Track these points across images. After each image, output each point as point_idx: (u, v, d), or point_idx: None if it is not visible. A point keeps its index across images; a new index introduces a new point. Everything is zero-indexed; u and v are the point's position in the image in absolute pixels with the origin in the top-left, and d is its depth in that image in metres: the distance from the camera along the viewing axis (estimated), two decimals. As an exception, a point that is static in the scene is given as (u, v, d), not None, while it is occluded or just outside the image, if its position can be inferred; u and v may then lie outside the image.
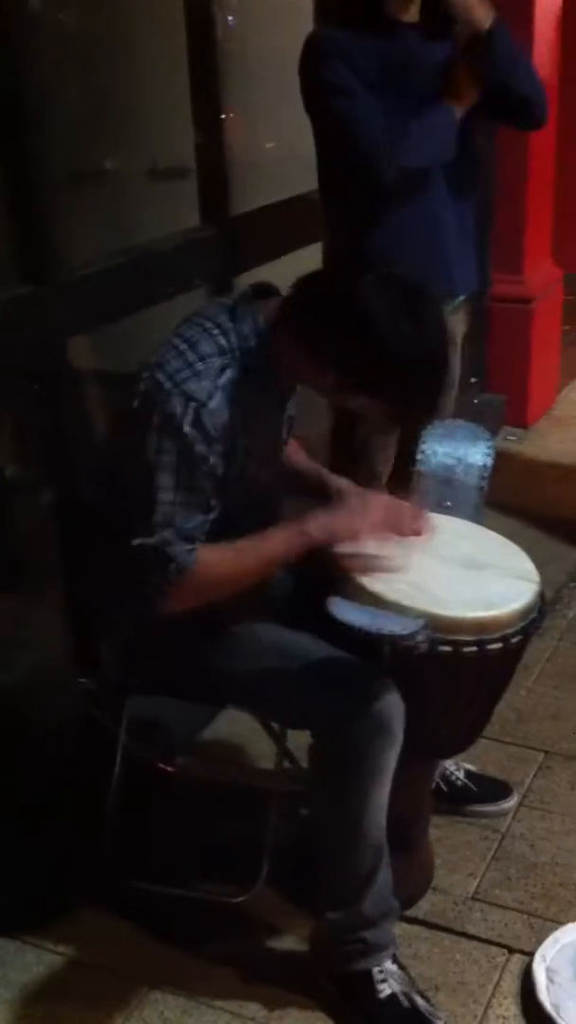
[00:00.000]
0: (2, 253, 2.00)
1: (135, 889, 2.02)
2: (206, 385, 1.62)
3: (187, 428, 1.60)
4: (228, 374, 1.64)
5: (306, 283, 1.69)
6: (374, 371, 1.60)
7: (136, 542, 1.62)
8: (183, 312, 1.79)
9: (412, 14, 2.27)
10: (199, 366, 1.63)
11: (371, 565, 1.75)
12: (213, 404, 1.61)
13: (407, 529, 1.81)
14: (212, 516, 1.66)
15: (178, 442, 1.60)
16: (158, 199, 2.72)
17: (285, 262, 2.63)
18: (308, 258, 2.59)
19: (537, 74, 2.36)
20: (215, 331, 1.67)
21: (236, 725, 2.51)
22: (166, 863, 2.10)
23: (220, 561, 1.68)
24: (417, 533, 1.83)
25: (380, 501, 1.85)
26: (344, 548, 1.77)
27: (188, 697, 2.08)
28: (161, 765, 2.30)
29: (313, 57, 2.25)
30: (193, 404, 1.60)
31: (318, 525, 1.73)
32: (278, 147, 2.86)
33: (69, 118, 2.27)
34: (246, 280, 2.50)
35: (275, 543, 1.72)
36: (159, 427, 1.60)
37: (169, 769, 2.32)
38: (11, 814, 2.06)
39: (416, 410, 1.78)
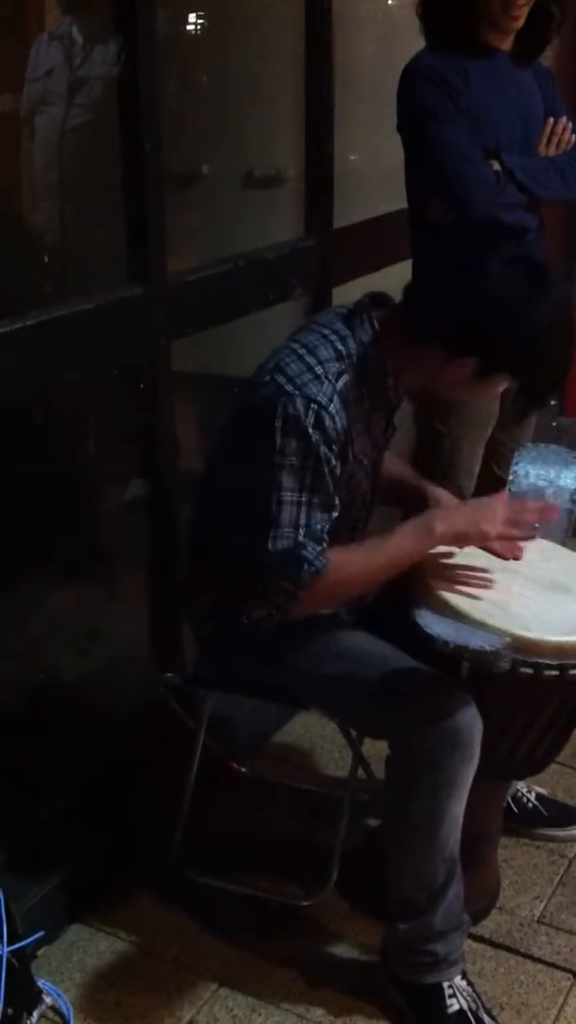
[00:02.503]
0: (115, 255, 2.04)
1: (203, 884, 2.05)
2: (327, 389, 1.65)
3: (310, 430, 1.63)
4: (344, 379, 1.67)
5: (421, 285, 1.71)
6: (517, 347, 1.61)
7: (270, 546, 1.64)
8: (278, 320, 1.82)
9: (506, 43, 2.30)
10: (319, 370, 1.66)
11: (461, 578, 1.77)
12: (332, 408, 1.64)
13: (532, 519, 1.78)
14: (336, 515, 1.68)
15: (302, 443, 1.63)
16: (256, 206, 2.76)
17: (383, 275, 2.66)
18: (406, 272, 2.61)
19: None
20: (333, 337, 1.71)
21: (309, 729, 2.54)
22: (234, 861, 2.13)
23: (351, 562, 1.70)
24: (545, 520, 1.80)
25: (501, 500, 1.82)
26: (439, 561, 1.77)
27: (269, 697, 2.11)
28: (234, 764, 2.33)
29: (411, 83, 2.28)
30: (314, 406, 1.63)
31: (446, 525, 1.72)
32: (379, 162, 2.88)
33: (174, 123, 2.31)
34: (342, 291, 2.56)
35: (403, 542, 1.72)
36: (283, 429, 1.63)
37: (242, 769, 2.35)
38: (86, 803, 2.11)
39: (553, 377, 1.73)
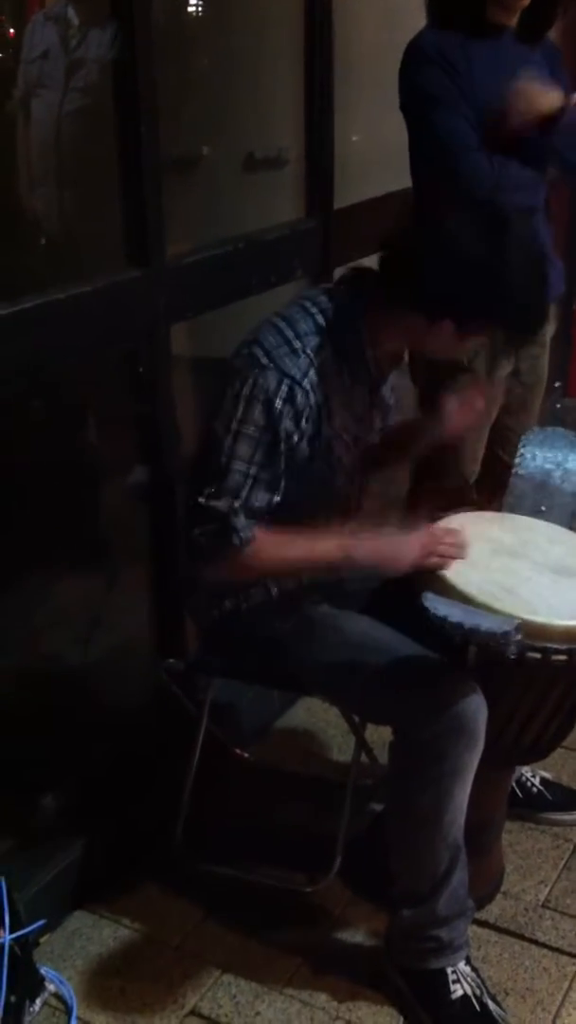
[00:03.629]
0: (113, 237, 2.02)
1: (207, 871, 2.04)
2: (302, 362, 1.64)
3: (278, 403, 1.62)
4: (324, 353, 1.66)
5: (392, 243, 1.71)
6: (485, 295, 1.60)
7: (202, 500, 1.64)
8: (279, 302, 1.81)
9: (512, 20, 2.27)
10: (296, 344, 1.65)
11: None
12: (307, 382, 1.64)
13: (449, 553, 1.76)
14: (278, 498, 1.68)
15: (266, 416, 1.63)
16: (256, 188, 2.73)
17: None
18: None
19: None
20: (313, 310, 1.70)
21: (312, 715, 2.53)
22: (237, 847, 2.12)
23: (272, 547, 1.69)
24: (458, 556, 1.77)
25: (420, 533, 1.77)
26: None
27: (271, 684, 2.11)
28: (237, 751, 2.33)
29: (413, 63, 2.25)
30: (288, 380, 1.63)
31: (364, 552, 1.71)
32: (381, 142, 2.85)
33: (174, 105, 2.29)
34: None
35: (325, 549, 1.71)
36: (248, 397, 1.63)
37: (245, 755, 2.35)
38: (89, 790, 2.10)
39: (529, 318, 1.72)
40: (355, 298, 1.72)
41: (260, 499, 1.66)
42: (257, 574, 1.77)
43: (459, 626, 1.59)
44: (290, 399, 1.63)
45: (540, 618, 1.67)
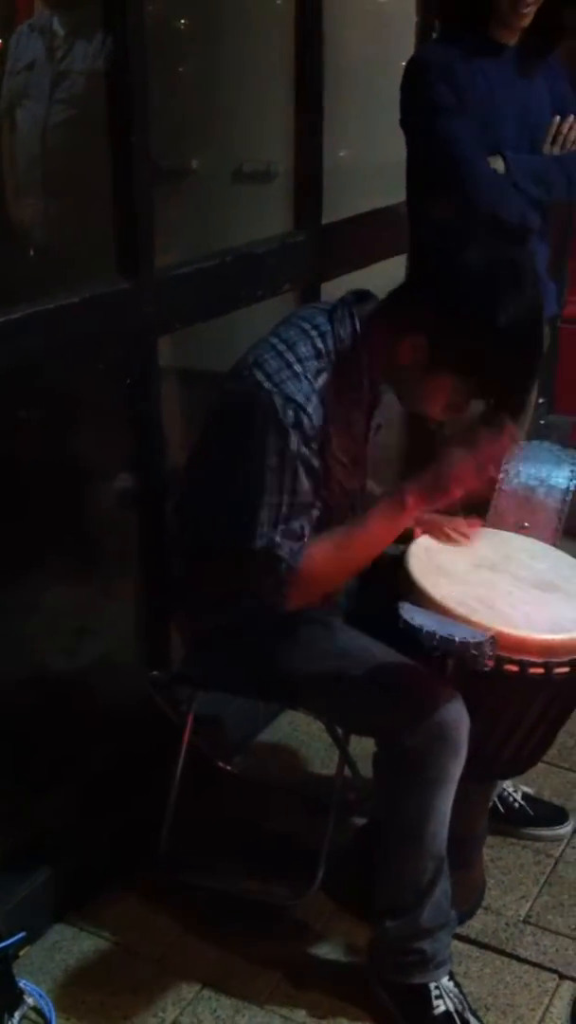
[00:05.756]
0: (102, 248, 2.02)
1: (189, 884, 2.03)
2: (304, 387, 1.63)
3: (289, 429, 1.61)
4: (324, 377, 1.66)
5: (405, 285, 1.70)
6: (473, 344, 1.58)
7: (252, 544, 1.63)
8: (267, 315, 1.81)
9: (514, 38, 2.28)
10: (297, 368, 1.65)
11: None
12: (311, 407, 1.63)
13: (491, 470, 1.72)
14: (316, 514, 1.68)
15: (281, 442, 1.62)
16: (245, 201, 2.74)
17: (372, 271, 2.65)
18: (395, 268, 2.60)
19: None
20: (313, 333, 1.69)
21: (295, 728, 2.53)
22: (219, 860, 2.11)
23: (325, 550, 1.68)
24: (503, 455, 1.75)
25: (457, 455, 1.69)
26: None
27: (256, 695, 2.10)
28: (220, 763, 2.32)
29: (417, 75, 2.26)
30: (292, 405, 1.62)
31: (413, 491, 1.66)
32: (370, 157, 2.87)
33: (164, 118, 2.29)
34: (331, 287, 2.54)
35: (375, 523, 1.69)
36: (262, 427, 1.62)
37: (228, 768, 2.34)
38: (72, 801, 2.09)
39: (511, 389, 1.72)
40: (355, 323, 1.70)
41: (298, 520, 1.65)
42: (329, 582, 1.75)
43: (432, 635, 1.59)
44: (297, 424, 1.62)
45: (518, 631, 1.68)
